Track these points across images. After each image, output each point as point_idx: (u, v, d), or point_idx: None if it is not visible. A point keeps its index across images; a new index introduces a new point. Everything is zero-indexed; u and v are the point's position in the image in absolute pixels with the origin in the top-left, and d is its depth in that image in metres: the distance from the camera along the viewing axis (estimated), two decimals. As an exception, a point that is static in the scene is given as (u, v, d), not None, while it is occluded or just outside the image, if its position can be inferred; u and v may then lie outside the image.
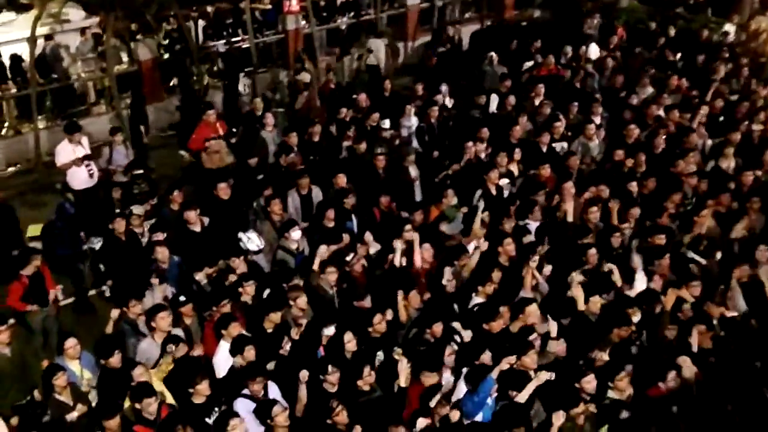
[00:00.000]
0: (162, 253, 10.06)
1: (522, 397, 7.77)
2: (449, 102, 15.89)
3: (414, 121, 14.80)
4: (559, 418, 7.34)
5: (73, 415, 8.00)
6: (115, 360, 8.30)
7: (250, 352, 8.22)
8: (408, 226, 10.63)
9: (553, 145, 13.67)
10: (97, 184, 12.83)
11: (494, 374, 7.84)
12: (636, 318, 9.18)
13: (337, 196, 11.69)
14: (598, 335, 8.95)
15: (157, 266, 9.95)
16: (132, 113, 16.27)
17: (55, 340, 9.52)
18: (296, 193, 11.86)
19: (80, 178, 12.66)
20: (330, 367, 7.98)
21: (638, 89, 15.87)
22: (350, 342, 8.52)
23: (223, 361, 8.51)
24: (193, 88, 17.39)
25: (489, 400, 7.84)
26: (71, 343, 8.61)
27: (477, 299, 9.53)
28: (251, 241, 10.62)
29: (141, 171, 12.73)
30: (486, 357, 8.19)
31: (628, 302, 9.42)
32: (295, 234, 10.70)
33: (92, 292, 11.86)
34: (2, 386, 8.50)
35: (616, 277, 9.95)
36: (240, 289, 9.45)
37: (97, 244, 11.93)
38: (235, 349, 8.32)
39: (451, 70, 18.03)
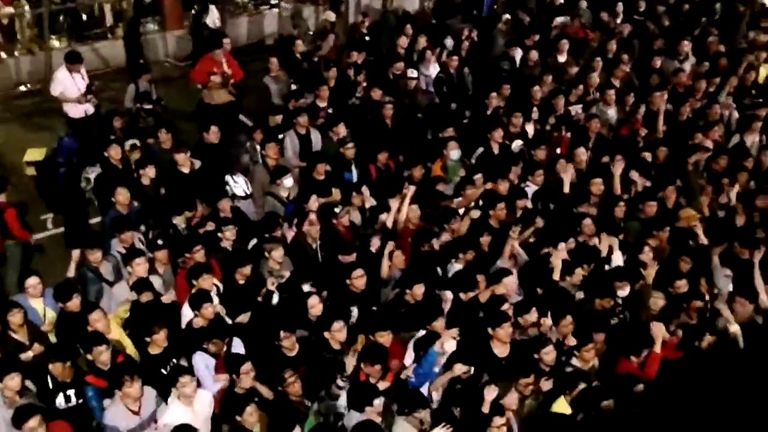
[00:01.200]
0: (123, 195, 9.66)
1: (437, 385, 7.45)
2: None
3: (433, 71, 14.23)
4: (490, 393, 6.99)
5: (28, 355, 7.79)
6: (74, 304, 8.05)
7: (207, 310, 7.92)
8: (407, 185, 10.21)
9: (569, 108, 13.10)
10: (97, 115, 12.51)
11: (437, 347, 7.51)
12: (623, 292, 8.88)
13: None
14: (576, 307, 8.68)
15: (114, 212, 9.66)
16: (126, 44, 15.73)
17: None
18: (295, 133, 11.45)
19: (78, 108, 12.36)
20: (282, 332, 7.65)
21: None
22: (314, 307, 8.20)
23: (190, 313, 8.23)
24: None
25: (436, 370, 7.56)
26: (33, 281, 8.36)
27: (456, 265, 9.16)
28: (238, 185, 10.28)
29: (150, 107, 12.34)
30: (438, 324, 7.86)
31: (617, 274, 9.06)
32: (288, 181, 10.36)
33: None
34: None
35: (603, 248, 9.57)
36: (220, 234, 9.16)
37: (92, 174, 11.71)
38: (193, 305, 8.04)
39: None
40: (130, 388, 6.77)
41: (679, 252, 9.67)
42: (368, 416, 6.82)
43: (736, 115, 13.54)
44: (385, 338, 7.75)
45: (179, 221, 9.52)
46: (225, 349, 7.74)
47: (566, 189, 10.59)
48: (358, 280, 8.52)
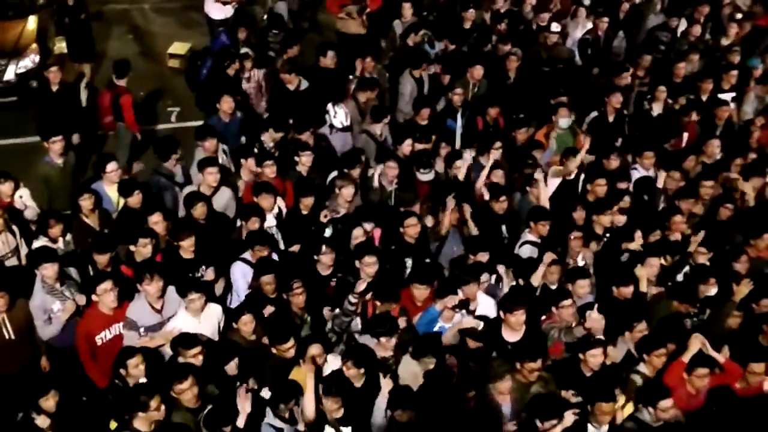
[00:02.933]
0: (227, 104, 9.96)
1: (447, 338, 7.29)
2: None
3: (580, 32, 13.53)
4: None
5: (96, 240, 8.18)
6: (134, 200, 8.39)
7: (254, 224, 8.17)
8: (497, 144, 9.88)
9: (719, 96, 12.10)
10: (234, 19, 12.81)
11: (438, 306, 7.36)
12: (708, 291, 8.22)
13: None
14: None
15: (217, 119, 9.97)
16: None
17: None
18: (410, 75, 11.32)
19: (219, 10, 12.80)
20: (324, 247, 7.86)
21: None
22: (357, 238, 8.32)
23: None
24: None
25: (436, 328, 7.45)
26: (112, 167, 8.73)
27: (528, 236, 8.79)
28: (337, 116, 10.23)
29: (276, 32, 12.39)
30: (469, 289, 7.58)
31: (703, 273, 8.38)
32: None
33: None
34: (51, 194, 8.95)
35: (693, 244, 8.90)
36: (296, 158, 9.32)
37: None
38: (241, 215, 8.36)
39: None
40: (148, 286, 7.08)
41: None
42: (379, 348, 6.93)
43: None
44: (420, 291, 7.68)
45: (266, 138, 9.69)
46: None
47: (660, 183, 9.95)
48: (411, 228, 8.38)
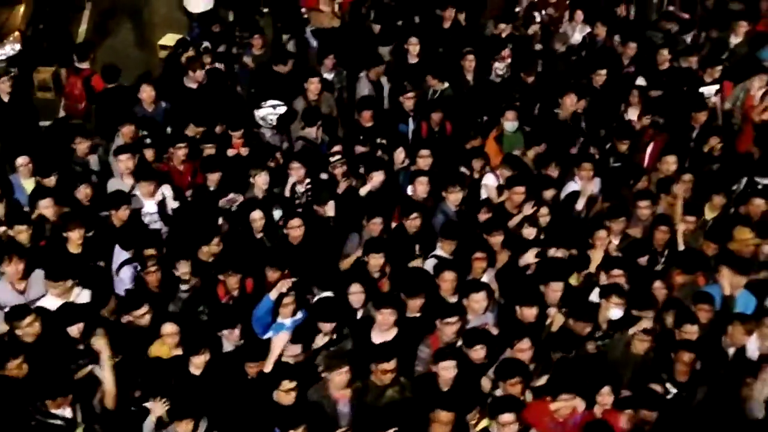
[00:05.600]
0: (146, 93, 10.10)
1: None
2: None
3: (579, 35, 13.08)
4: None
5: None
6: (49, 182, 8.65)
7: (122, 212, 8.28)
8: (424, 152, 9.61)
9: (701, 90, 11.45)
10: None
11: (272, 295, 7.32)
12: (615, 314, 7.76)
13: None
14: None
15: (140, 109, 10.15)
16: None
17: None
18: (367, 79, 11.28)
19: (198, 3, 12.94)
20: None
21: None
22: (255, 221, 8.53)
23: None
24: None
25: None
26: (21, 161, 8.83)
27: (438, 251, 8.51)
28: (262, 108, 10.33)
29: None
30: (354, 296, 7.64)
31: (611, 290, 7.85)
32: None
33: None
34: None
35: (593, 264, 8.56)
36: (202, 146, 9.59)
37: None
38: (110, 203, 8.52)
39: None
40: (8, 267, 7.25)
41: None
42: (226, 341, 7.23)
43: None
44: (271, 273, 7.82)
45: (190, 132, 9.80)
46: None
47: (579, 206, 9.41)
48: (294, 230, 8.37)
